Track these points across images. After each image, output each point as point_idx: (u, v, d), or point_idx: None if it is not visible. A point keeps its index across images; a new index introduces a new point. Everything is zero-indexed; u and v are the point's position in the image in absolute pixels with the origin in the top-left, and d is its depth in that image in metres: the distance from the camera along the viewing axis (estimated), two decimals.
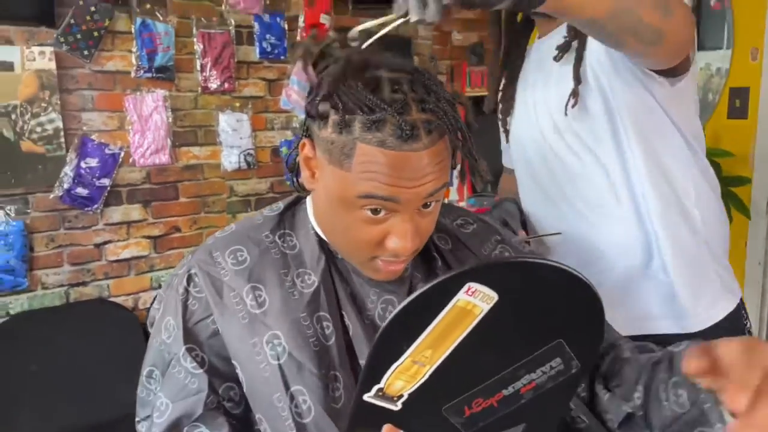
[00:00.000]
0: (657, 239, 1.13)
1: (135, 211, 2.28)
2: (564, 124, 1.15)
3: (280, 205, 0.85)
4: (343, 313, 0.78)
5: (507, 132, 1.31)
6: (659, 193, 1.12)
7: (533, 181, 1.25)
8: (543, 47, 1.22)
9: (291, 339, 0.73)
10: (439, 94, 0.68)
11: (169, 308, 0.80)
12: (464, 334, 0.53)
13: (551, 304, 0.54)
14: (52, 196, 2.09)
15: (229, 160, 2.48)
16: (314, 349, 0.73)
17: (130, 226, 2.28)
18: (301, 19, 2.60)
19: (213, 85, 2.40)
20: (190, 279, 0.78)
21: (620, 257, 1.15)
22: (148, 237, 2.32)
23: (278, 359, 0.73)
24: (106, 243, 2.23)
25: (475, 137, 0.75)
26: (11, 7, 1.92)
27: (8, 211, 2.00)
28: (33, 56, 1.97)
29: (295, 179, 0.78)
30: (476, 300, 0.51)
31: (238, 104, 2.48)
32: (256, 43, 2.50)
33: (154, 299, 2.28)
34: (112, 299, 2.25)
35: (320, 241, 0.79)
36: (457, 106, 0.72)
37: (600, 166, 1.14)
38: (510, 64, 1.28)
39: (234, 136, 2.48)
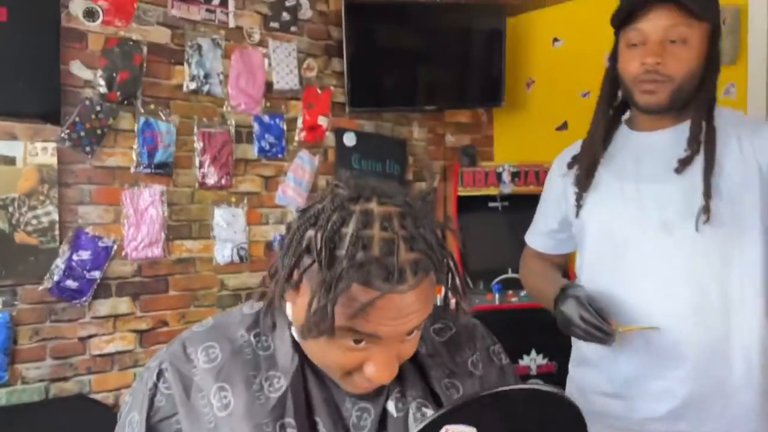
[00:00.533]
0: (755, 351, 1.13)
1: (123, 305, 2.27)
2: (679, 225, 1.17)
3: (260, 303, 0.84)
4: (317, 419, 0.76)
5: (579, 207, 1.32)
6: (766, 301, 1.15)
7: (615, 266, 1.25)
8: (642, 141, 1.27)
9: None
10: (427, 227, 0.68)
11: (135, 403, 0.78)
12: None
13: (530, 422, 0.55)
14: (41, 288, 2.08)
15: (222, 253, 2.49)
16: None
17: (117, 319, 2.25)
18: (299, 120, 2.71)
19: (210, 180, 2.46)
20: (160, 374, 0.77)
21: (711, 365, 1.14)
22: (135, 331, 2.29)
23: None
24: (91, 336, 2.20)
25: (471, 236, 0.76)
26: (18, 104, 2.00)
27: None
28: (36, 151, 2.04)
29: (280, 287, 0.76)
30: None
31: (233, 199, 2.53)
32: (255, 142, 2.59)
33: None
34: (92, 395, 2.19)
35: (295, 343, 0.78)
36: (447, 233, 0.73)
37: (710, 268, 1.15)
38: (595, 146, 1.31)
39: (228, 230, 2.51)
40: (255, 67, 2.59)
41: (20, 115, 2.02)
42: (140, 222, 2.29)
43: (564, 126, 2.97)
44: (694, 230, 1.14)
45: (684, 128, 1.20)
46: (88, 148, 2.17)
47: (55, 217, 2.09)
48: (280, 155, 2.66)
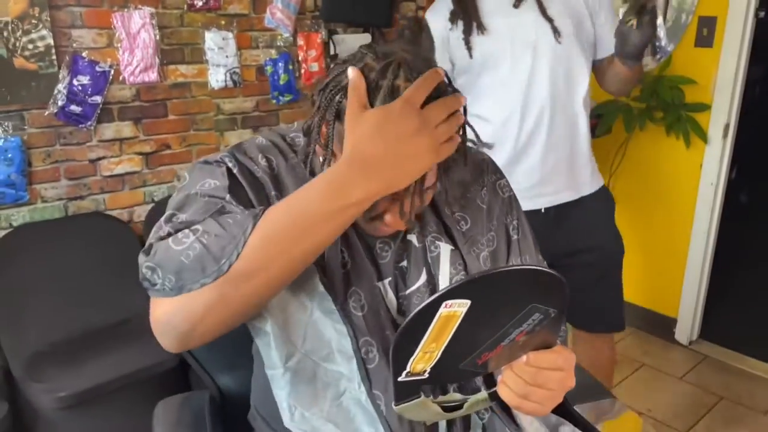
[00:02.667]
0: (586, 137, 1.72)
1: (126, 128, 2.35)
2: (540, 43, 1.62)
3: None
4: (342, 248, 0.85)
5: (471, 49, 1.62)
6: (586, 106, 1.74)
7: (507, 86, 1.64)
8: None
9: None
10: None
11: (204, 174, 0.81)
12: (455, 328, 0.66)
13: (516, 290, 0.66)
14: (47, 113, 2.14)
15: (216, 78, 2.53)
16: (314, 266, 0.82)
17: (123, 142, 2.36)
18: None
19: (199, 2, 2.42)
20: (229, 160, 0.82)
21: (564, 146, 1.67)
22: (140, 153, 2.41)
23: None
24: (100, 159, 2.32)
25: None
26: None
27: (6, 127, 2.07)
28: None
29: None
30: (454, 309, 0.64)
31: (223, 22, 2.51)
32: None
33: (149, 212, 2.40)
34: (108, 212, 2.37)
35: None
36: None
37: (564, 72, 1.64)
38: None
39: (220, 54, 2.53)
40: None
41: None
42: (133, 46, 2.29)
43: None
44: (552, 45, 1.57)
45: None
46: None
47: (50, 41, 2.09)
48: None
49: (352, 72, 0.72)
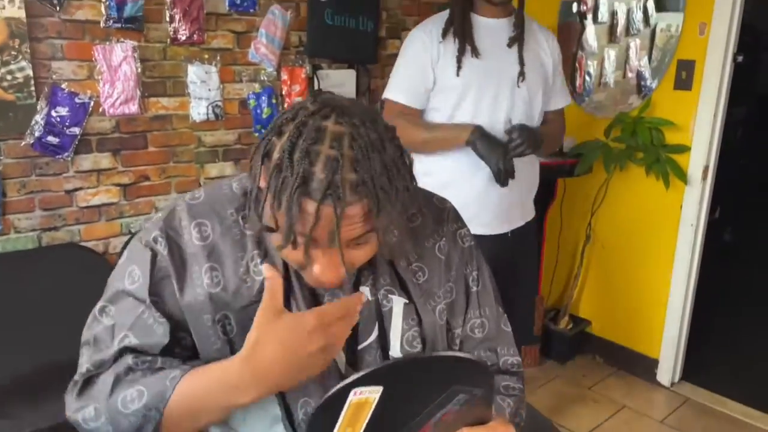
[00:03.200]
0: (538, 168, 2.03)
1: (105, 160, 2.34)
2: (513, 81, 1.84)
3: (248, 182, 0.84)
4: (292, 300, 0.82)
5: (460, 67, 1.76)
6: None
7: (485, 108, 1.83)
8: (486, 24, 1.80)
9: (240, 327, 0.80)
10: (378, 152, 0.70)
11: (135, 259, 0.82)
12: (370, 413, 0.62)
13: (432, 375, 0.63)
14: (23, 143, 2.13)
15: (198, 111, 2.53)
16: None
17: (100, 173, 2.34)
18: None
19: (182, 36, 2.43)
20: (157, 241, 0.82)
21: (526, 183, 1.92)
22: (118, 185, 2.39)
23: (228, 335, 0.80)
24: (76, 190, 2.30)
25: None
26: None
27: None
28: (3, 4, 1.98)
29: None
30: (365, 395, 0.61)
31: (206, 56, 2.52)
32: None
33: (125, 244, 2.38)
34: (83, 244, 2.34)
35: None
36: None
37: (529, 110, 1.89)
38: (465, 23, 1.79)
39: (202, 87, 2.53)
40: None
41: None
42: (114, 78, 2.29)
43: None
44: (520, 84, 1.79)
45: (510, 19, 1.81)
46: (55, 1, 2.11)
47: (30, 72, 2.08)
48: (251, 9, 2.60)
49: (267, 272, 0.75)
